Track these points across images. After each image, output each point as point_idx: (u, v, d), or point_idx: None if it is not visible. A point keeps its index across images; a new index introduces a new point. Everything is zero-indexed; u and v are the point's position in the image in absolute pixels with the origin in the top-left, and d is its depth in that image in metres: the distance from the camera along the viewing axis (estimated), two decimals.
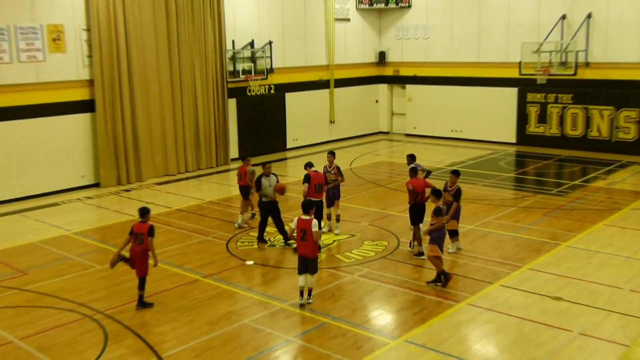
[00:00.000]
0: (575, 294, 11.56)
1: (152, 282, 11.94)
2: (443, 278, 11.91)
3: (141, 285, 11.23)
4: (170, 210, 18.00)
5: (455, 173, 13.77)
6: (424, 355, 9.44)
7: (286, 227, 14.48)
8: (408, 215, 14.99)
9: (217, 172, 23.44)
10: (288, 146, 27.33)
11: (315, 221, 10.88)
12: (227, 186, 21.02)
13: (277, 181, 14.57)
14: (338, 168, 15.18)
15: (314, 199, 13.83)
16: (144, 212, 11.18)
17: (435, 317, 10.70)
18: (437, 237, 11.85)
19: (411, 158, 15.31)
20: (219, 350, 9.64)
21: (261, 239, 14.60)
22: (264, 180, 14.46)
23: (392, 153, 26.70)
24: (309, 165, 14.59)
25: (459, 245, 13.92)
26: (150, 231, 10.97)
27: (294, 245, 13.89)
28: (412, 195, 13.68)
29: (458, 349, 9.63)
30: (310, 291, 11.22)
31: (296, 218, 11.08)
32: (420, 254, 13.55)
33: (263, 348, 9.73)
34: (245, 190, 15.90)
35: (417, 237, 13.80)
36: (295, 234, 11.07)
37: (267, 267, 13.31)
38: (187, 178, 22.63)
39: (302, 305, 11.09)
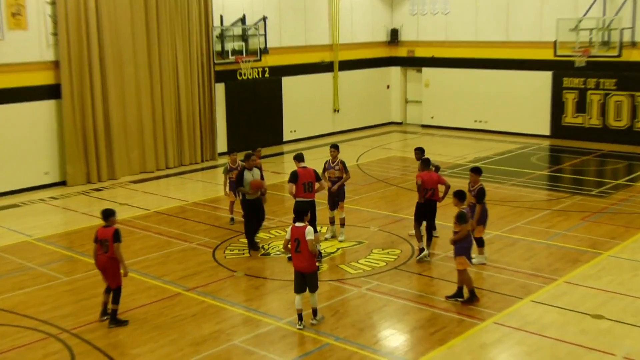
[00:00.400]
0: (618, 312, 11.55)
1: (127, 296, 11.95)
2: (470, 296, 11.89)
3: (115, 298, 11.24)
4: (148, 212, 18.02)
5: (476, 171, 13.77)
6: None
7: (277, 244, 14.48)
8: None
9: (203, 169, 23.45)
10: (285, 139, 27.37)
11: (309, 228, 10.74)
12: (213, 185, 21.05)
13: (262, 177, 14.71)
14: (343, 163, 15.13)
15: (304, 200, 13.72)
16: (107, 214, 11.23)
17: (455, 338, 10.68)
18: (463, 246, 11.81)
19: (420, 152, 15.26)
20: None
21: (253, 245, 14.69)
22: (246, 175, 14.53)
23: (406, 147, 26.72)
24: (298, 158, 14.31)
25: (483, 260, 13.79)
26: (116, 236, 11.01)
27: (289, 255, 14.00)
28: (422, 191, 13.81)
29: None
30: (315, 311, 11.13)
31: (290, 226, 11.02)
32: (421, 250, 13.95)
33: None
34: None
35: (418, 235, 14.11)
36: (289, 246, 10.92)
37: (261, 279, 13.31)
38: (168, 175, 22.66)
39: (299, 329, 10.92)
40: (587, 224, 16.43)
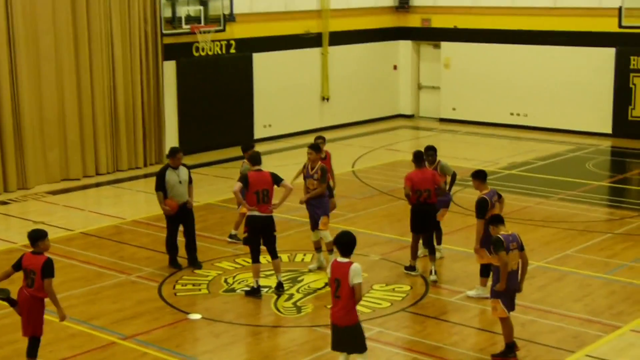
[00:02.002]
0: None
1: (43, 347, 11.92)
2: (505, 350, 11.93)
3: (31, 351, 11.23)
4: (72, 234, 18.01)
5: (479, 176, 13.68)
6: None
7: (245, 276, 14.51)
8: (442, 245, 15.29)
9: (146, 176, 23.44)
10: (257, 136, 27.39)
11: (356, 267, 10.31)
12: None
13: (190, 179, 15.44)
14: (322, 170, 15.17)
15: (258, 215, 14.04)
16: (35, 237, 11.15)
17: None
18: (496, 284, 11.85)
19: (434, 152, 15.70)
20: None
21: (174, 262, 15.61)
22: (169, 175, 15.18)
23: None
24: (252, 159, 14.46)
25: (484, 293, 13.85)
26: (46, 268, 10.91)
27: (248, 288, 14.42)
28: (412, 194, 14.59)
29: None
30: None
31: (332, 261, 10.83)
32: (412, 268, 14.73)
33: None
34: None
35: (413, 249, 14.92)
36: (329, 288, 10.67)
37: (223, 323, 13.34)
38: (99, 184, 22.65)
39: None
40: None
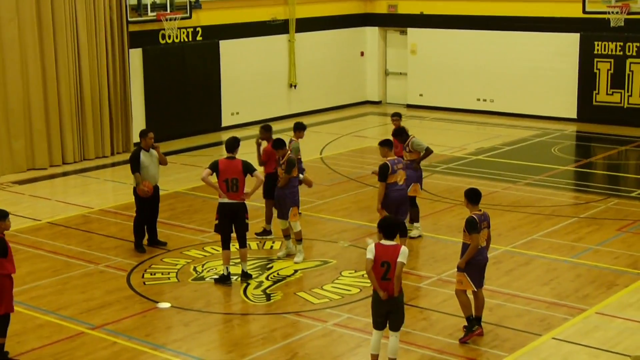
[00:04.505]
0: None
1: (10, 338, 11.87)
2: (466, 326, 12.12)
3: (1, 329, 11.29)
4: (39, 224, 17.91)
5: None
6: None
7: (214, 265, 14.48)
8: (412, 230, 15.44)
9: (113, 164, 23.34)
10: (224, 124, 27.34)
11: (405, 249, 10.80)
12: (128, 186, 20.93)
13: (161, 161, 15.76)
14: (288, 162, 15.03)
15: (228, 202, 14.14)
16: None
17: None
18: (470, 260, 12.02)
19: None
20: None
21: (140, 247, 15.78)
22: (143, 157, 15.48)
23: (386, 134, 26.78)
24: (228, 145, 14.48)
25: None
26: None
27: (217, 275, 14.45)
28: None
29: None
30: None
31: (372, 243, 10.91)
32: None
33: None
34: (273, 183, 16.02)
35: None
36: (372, 275, 10.74)
37: (192, 311, 13.32)
38: (66, 173, 22.52)
39: None
40: (625, 235, 16.69)
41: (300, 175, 15.84)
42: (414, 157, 16.38)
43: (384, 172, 14.74)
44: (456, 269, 12.10)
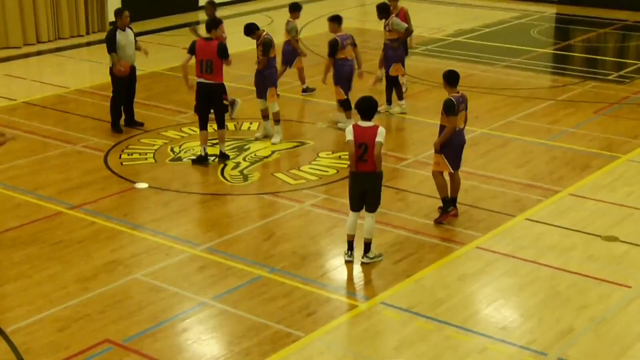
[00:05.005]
0: (638, 232, 11.92)
1: None
2: (441, 207, 12.27)
3: None
4: (14, 103, 17.80)
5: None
6: (408, 324, 9.72)
7: (192, 145, 14.48)
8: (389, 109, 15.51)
9: (89, 44, 23.12)
10: (201, 2, 26.91)
11: (382, 129, 10.75)
12: (104, 66, 20.72)
13: (135, 41, 15.80)
14: (263, 44, 15.05)
15: (203, 82, 14.11)
16: None
17: (427, 267, 10.95)
18: (446, 145, 12.06)
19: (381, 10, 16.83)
20: (96, 322, 9.77)
21: (117, 127, 15.83)
22: (119, 37, 15.49)
23: (365, 15, 26.61)
24: (206, 26, 14.49)
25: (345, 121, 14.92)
26: None
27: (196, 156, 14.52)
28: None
29: (460, 316, 9.91)
30: (368, 246, 11.08)
31: (350, 125, 10.93)
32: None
33: (165, 316, 9.89)
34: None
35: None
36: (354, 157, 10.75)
37: (170, 192, 13.39)
38: (41, 53, 22.29)
39: (348, 262, 11.08)
40: (601, 118, 16.80)
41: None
42: (394, 36, 16.63)
43: (333, 48, 15.66)
44: (433, 151, 12.18)
